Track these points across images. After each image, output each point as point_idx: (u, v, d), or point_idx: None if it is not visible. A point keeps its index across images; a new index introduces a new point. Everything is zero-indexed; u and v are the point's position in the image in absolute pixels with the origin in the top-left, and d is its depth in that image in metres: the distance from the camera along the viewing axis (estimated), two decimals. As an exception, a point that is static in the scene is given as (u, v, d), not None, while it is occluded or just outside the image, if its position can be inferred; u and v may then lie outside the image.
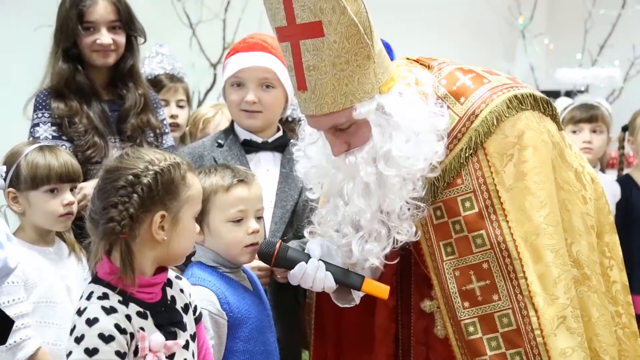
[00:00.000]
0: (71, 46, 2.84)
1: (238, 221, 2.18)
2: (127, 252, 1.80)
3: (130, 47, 2.91)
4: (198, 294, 2.06)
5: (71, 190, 2.41)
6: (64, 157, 2.40)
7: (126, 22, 2.87)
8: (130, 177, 1.80)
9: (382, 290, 2.17)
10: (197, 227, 1.95)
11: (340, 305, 2.24)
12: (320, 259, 2.16)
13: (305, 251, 2.22)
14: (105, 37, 2.82)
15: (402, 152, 2.05)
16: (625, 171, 3.99)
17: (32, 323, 2.26)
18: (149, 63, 3.71)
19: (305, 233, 2.29)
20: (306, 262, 2.15)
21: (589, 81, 5.79)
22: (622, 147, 4.00)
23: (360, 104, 2.03)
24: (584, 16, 6.14)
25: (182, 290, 1.97)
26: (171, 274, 1.98)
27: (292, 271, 2.17)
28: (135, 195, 1.79)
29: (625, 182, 3.78)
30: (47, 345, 2.27)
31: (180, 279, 2.02)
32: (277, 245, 2.18)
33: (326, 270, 2.15)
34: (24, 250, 2.33)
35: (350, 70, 1.99)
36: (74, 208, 2.40)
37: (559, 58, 6.56)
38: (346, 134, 2.09)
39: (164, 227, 1.83)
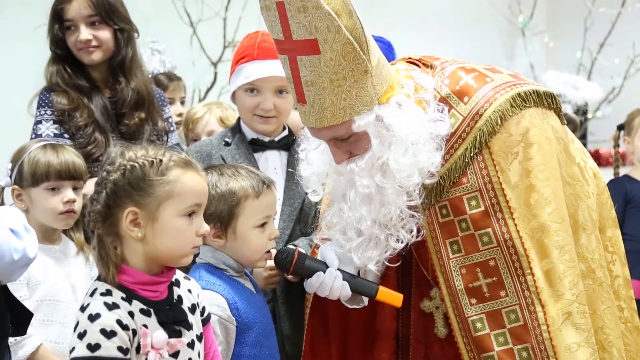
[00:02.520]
0: (57, 47, 2.82)
1: (262, 226, 2.16)
2: (100, 246, 1.82)
3: (118, 42, 2.85)
4: (208, 298, 2.05)
5: (76, 189, 2.40)
6: (65, 155, 2.39)
7: (106, 16, 2.81)
8: (104, 173, 1.83)
9: (395, 298, 2.19)
10: (204, 227, 1.89)
11: (349, 307, 2.25)
12: (338, 269, 2.17)
13: (319, 256, 2.23)
14: (83, 33, 2.77)
15: (398, 165, 2.07)
16: (622, 170, 4.00)
17: (34, 321, 2.25)
18: (149, 61, 3.71)
19: (316, 239, 2.29)
20: (324, 272, 2.16)
21: (567, 90, 5.81)
22: (617, 145, 4.02)
23: (359, 117, 2.04)
24: (584, 14, 6.15)
25: (190, 291, 1.97)
26: (180, 274, 1.98)
27: (309, 280, 2.18)
28: (103, 192, 1.81)
29: (623, 180, 3.80)
30: (50, 344, 2.27)
31: (189, 279, 2.01)
32: (295, 254, 2.18)
33: (342, 279, 2.16)
34: None
35: (347, 85, 1.99)
36: (76, 206, 2.39)
37: (558, 56, 6.58)
38: (347, 143, 2.10)
39: (140, 224, 1.81)
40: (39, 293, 2.29)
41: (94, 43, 2.81)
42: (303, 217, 2.59)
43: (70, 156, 2.40)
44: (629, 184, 3.77)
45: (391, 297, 2.19)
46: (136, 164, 1.81)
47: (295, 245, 2.47)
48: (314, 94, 2.00)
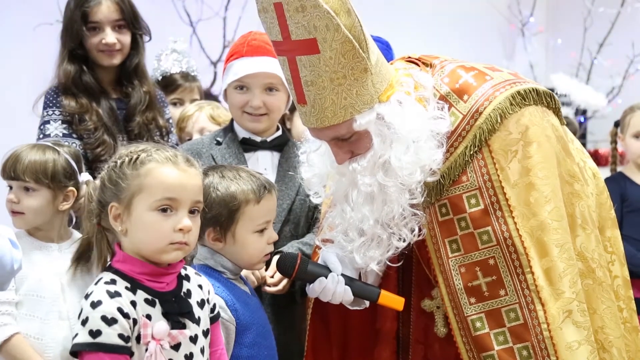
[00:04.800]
0: (77, 47, 2.85)
1: (262, 231, 2.15)
2: (99, 240, 1.91)
3: (136, 46, 2.92)
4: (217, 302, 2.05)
5: (27, 189, 2.31)
6: (19, 152, 2.32)
7: (130, 21, 2.88)
8: (102, 172, 1.91)
9: (397, 302, 2.19)
10: (183, 222, 1.84)
11: (351, 308, 2.24)
12: (341, 274, 2.17)
13: (320, 260, 2.23)
14: (109, 36, 2.83)
15: (400, 163, 2.06)
16: (619, 168, 4.01)
17: (15, 312, 2.24)
18: (165, 60, 3.71)
19: (317, 241, 2.29)
20: (326, 277, 2.16)
21: (574, 97, 5.82)
22: (614, 141, 4.02)
23: (360, 115, 2.03)
24: (584, 14, 6.15)
25: (200, 287, 1.99)
26: (191, 270, 2.00)
27: (312, 286, 2.17)
28: (97, 189, 1.89)
29: (618, 178, 3.80)
30: (30, 339, 2.26)
31: (201, 276, 2.02)
32: (298, 259, 2.18)
33: (345, 284, 2.16)
34: (26, 240, 2.34)
35: (347, 84, 1.99)
36: (15, 207, 2.32)
37: (558, 56, 6.58)
38: (348, 143, 2.10)
39: (122, 219, 1.86)
40: (25, 287, 2.27)
41: (117, 47, 2.85)
42: (293, 218, 2.58)
43: (26, 155, 2.32)
44: (623, 182, 3.77)
45: (393, 300, 2.19)
46: (118, 161, 1.87)
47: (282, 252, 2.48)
48: (314, 94, 2.00)
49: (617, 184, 3.72)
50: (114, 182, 1.86)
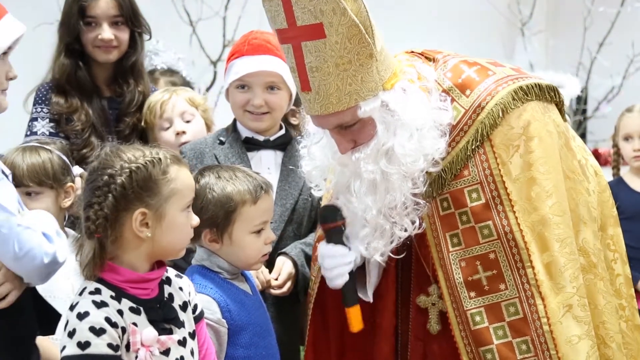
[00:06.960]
0: (73, 42, 2.84)
1: (259, 231, 2.15)
2: (100, 252, 1.82)
3: (134, 44, 2.89)
4: (200, 302, 2.04)
5: (29, 194, 2.33)
6: (12, 159, 2.32)
7: (129, 18, 2.86)
8: (106, 177, 1.81)
9: (356, 322, 2.19)
10: (196, 219, 1.92)
11: (329, 286, 2.23)
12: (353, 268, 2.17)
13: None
14: (106, 32, 2.81)
15: (404, 150, 2.07)
16: (623, 169, 4.01)
17: None
18: (156, 60, 3.70)
19: (320, 231, 2.29)
20: (349, 250, 2.16)
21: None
22: (615, 145, 4.02)
23: (365, 102, 2.04)
24: (583, 14, 6.15)
25: (181, 289, 1.97)
26: (171, 272, 1.98)
27: (330, 247, 2.16)
28: (110, 195, 1.80)
29: (612, 185, 3.80)
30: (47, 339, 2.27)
31: (181, 277, 2.01)
32: (340, 223, 2.17)
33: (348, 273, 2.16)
34: None
35: (353, 69, 2.00)
36: None
37: (558, 56, 6.57)
38: (352, 131, 2.10)
39: (148, 224, 1.82)
40: (39, 287, 2.28)
41: (114, 43, 2.83)
42: (296, 218, 2.58)
43: (19, 160, 2.32)
44: (616, 189, 3.76)
45: (356, 319, 2.19)
46: (140, 165, 1.82)
47: (286, 253, 2.48)
48: (319, 80, 2.00)
49: (614, 187, 3.72)
50: (144, 188, 1.81)
